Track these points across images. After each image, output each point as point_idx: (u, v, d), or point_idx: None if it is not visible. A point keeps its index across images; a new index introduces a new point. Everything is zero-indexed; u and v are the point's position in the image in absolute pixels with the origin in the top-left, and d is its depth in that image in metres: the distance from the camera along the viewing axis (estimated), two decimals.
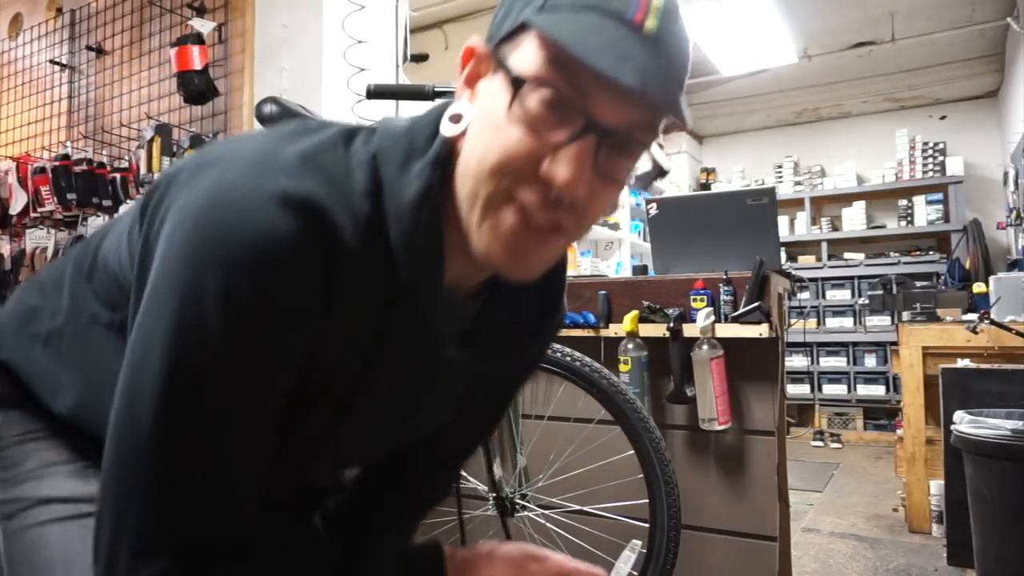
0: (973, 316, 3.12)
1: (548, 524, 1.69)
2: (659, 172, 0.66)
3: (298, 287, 0.57)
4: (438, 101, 0.67)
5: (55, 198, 3.07)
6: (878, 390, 5.80)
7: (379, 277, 0.63)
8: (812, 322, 5.95)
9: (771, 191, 2.06)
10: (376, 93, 1.44)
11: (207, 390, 0.57)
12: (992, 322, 2.86)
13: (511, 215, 0.60)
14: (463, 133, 0.63)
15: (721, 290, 1.88)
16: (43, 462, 0.74)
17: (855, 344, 5.92)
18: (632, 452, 1.48)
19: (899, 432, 3.54)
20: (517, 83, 0.58)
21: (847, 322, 5.97)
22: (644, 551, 1.47)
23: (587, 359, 1.51)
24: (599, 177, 0.59)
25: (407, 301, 0.65)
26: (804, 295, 5.97)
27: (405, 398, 0.72)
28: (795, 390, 6.04)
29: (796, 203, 6.54)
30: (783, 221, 6.35)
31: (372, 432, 0.75)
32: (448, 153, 0.64)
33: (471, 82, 0.64)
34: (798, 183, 6.66)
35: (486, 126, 0.60)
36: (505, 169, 0.58)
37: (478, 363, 0.75)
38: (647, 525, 1.47)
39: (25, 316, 0.78)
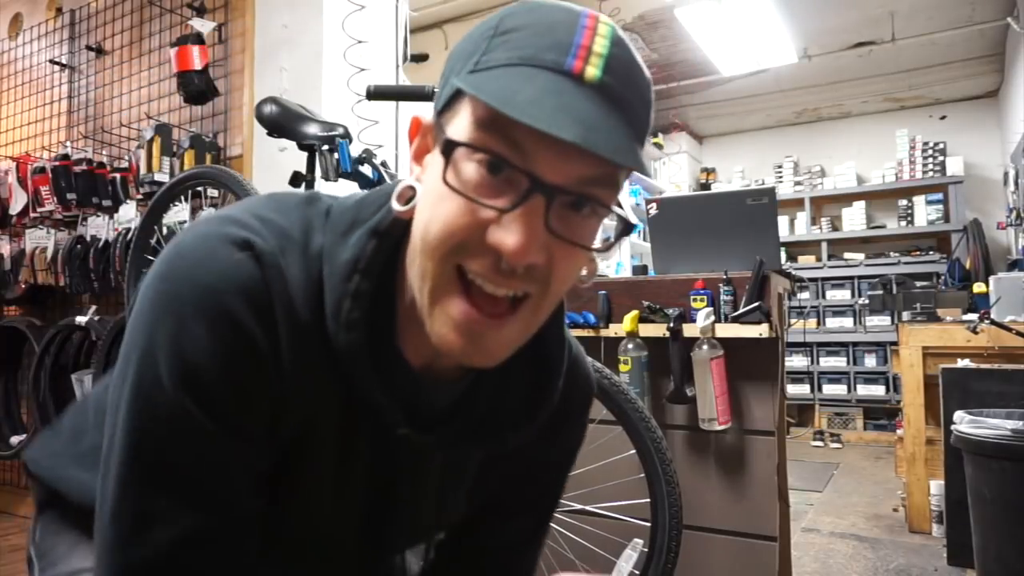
0: (973, 316, 3.12)
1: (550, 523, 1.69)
2: (625, 229, 0.59)
3: (249, 331, 0.57)
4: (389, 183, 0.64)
5: (55, 198, 3.08)
6: (878, 390, 5.80)
7: (318, 346, 0.60)
8: (812, 322, 5.95)
9: (771, 191, 2.06)
10: (376, 94, 1.44)
11: (171, 450, 0.57)
12: (992, 322, 2.86)
13: (461, 300, 0.56)
14: (413, 209, 0.59)
15: (721, 290, 1.88)
16: (71, 543, 0.82)
17: (855, 344, 5.92)
18: (633, 452, 1.48)
19: (899, 432, 3.54)
20: (448, 149, 0.54)
21: (847, 322, 5.97)
22: (645, 550, 1.47)
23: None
24: (557, 240, 0.54)
25: (345, 378, 0.61)
26: (804, 295, 5.97)
27: (369, 484, 0.67)
28: (795, 390, 6.04)
29: (796, 203, 6.54)
30: (783, 221, 6.35)
31: (336, 521, 0.69)
32: (395, 227, 0.61)
33: (419, 157, 0.61)
34: (798, 183, 6.66)
35: (429, 200, 0.57)
36: (449, 242, 0.54)
37: (453, 450, 0.70)
38: (648, 524, 1.47)
39: (67, 436, 0.84)
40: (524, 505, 0.83)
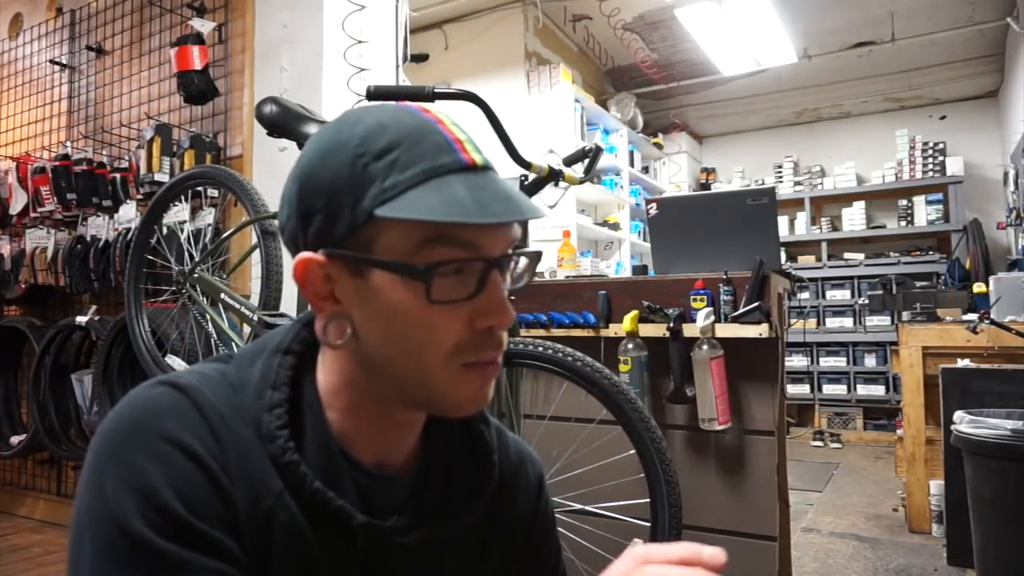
0: (973, 316, 3.12)
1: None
2: (537, 257, 0.69)
3: (187, 444, 0.57)
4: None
5: (55, 198, 3.08)
6: (878, 390, 5.80)
7: (261, 459, 0.61)
8: (812, 322, 5.96)
9: (771, 191, 2.06)
10: (376, 94, 1.44)
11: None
12: (992, 322, 2.86)
13: (474, 374, 0.62)
14: (351, 341, 0.63)
15: (721, 290, 1.88)
16: None
17: (855, 344, 5.93)
18: (633, 452, 1.48)
19: (899, 432, 3.54)
20: (428, 273, 0.58)
21: (847, 322, 5.97)
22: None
23: (588, 359, 1.51)
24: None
25: (293, 487, 0.61)
26: (804, 295, 5.97)
27: None
28: (795, 390, 6.04)
29: (796, 203, 6.54)
30: (783, 221, 6.36)
31: None
32: (297, 344, 0.66)
33: (326, 296, 0.63)
34: (798, 183, 6.66)
35: (396, 324, 0.60)
36: (446, 350, 0.60)
37: (424, 535, 0.68)
38: (648, 524, 1.47)
39: None
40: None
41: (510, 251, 0.63)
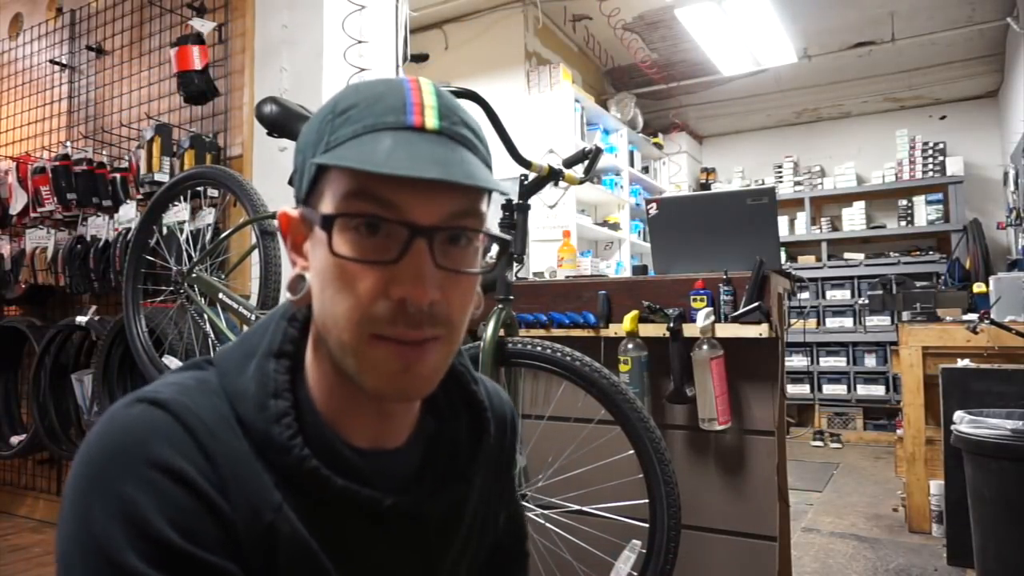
0: (973, 316, 3.12)
1: (548, 524, 1.69)
2: (503, 246, 0.65)
3: (176, 466, 0.54)
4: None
5: (55, 198, 3.08)
6: (878, 390, 5.80)
7: (258, 469, 0.59)
8: (812, 322, 5.95)
9: (771, 191, 2.06)
10: None
11: None
12: (992, 322, 2.86)
13: (384, 349, 0.59)
14: (306, 298, 0.63)
15: (721, 290, 1.88)
16: None
17: (855, 344, 5.92)
18: (632, 452, 1.48)
19: (899, 432, 3.54)
20: (327, 223, 0.57)
21: (847, 322, 5.97)
22: (644, 551, 1.47)
23: (587, 359, 1.50)
24: (446, 273, 0.59)
25: (301, 488, 0.60)
26: (804, 295, 5.97)
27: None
28: (795, 390, 6.04)
29: (796, 203, 6.54)
30: (783, 221, 6.36)
31: None
32: (287, 344, 0.64)
33: (297, 249, 0.64)
34: (798, 183, 6.66)
35: (323, 281, 0.60)
36: (358, 316, 0.58)
37: (435, 505, 0.69)
38: (647, 525, 1.47)
39: None
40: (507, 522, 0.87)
41: (450, 224, 0.59)
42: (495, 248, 0.65)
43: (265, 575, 0.58)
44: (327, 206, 0.59)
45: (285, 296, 0.64)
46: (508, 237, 0.65)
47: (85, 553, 0.52)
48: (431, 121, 0.59)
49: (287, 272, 2.10)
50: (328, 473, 0.60)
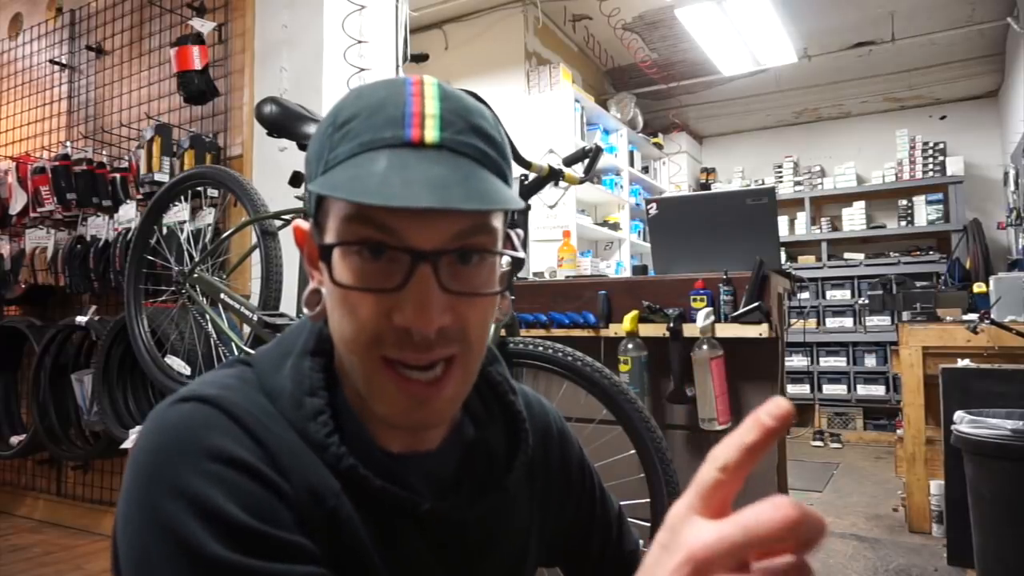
0: (973, 316, 3.12)
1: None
2: (514, 268, 0.62)
3: (236, 455, 0.54)
4: None
5: (55, 198, 3.08)
6: (878, 390, 5.80)
7: (310, 458, 0.59)
8: (812, 322, 5.95)
9: (771, 191, 2.06)
10: None
11: None
12: (992, 322, 2.86)
13: (393, 381, 0.57)
14: (323, 312, 0.62)
15: (721, 290, 1.88)
16: None
17: (855, 344, 5.92)
18: (634, 452, 1.48)
19: (899, 432, 3.54)
20: (326, 254, 0.56)
21: (847, 322, 5.97)
22: (645, 550, 1.46)
23: (588, 359, 1.50)
24: (457, 296, 0.56)
25: (353, 487, 0.60)
26: (804, 295, 5.97)
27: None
28: (795, 390, 6.04)
29: (796, 203, 6.54)
30: (783, 221, 6.36)
31: None
32: (322, 343, 0.63)
33: (313, 263, 0.62)
34: (798, 183, 6.66)
35: (332, 302, 0.59)
36: (363, 335, 0.56)
37: (475, 509, 0.68)
38: (648, 525, 1.47)
39: None
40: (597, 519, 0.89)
41: (456, 246, 0.56)
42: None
43: (330, 560, 0.57)
44: (331, 228, 0.58)
45: (305, 311, 0.63)
46: (522, 255, 0.62)
47: (168, 557, 0.50)
48: (431, 134, 0.55)
49: (287, 272, 2.10)
50: (367, 472, 0.59)
